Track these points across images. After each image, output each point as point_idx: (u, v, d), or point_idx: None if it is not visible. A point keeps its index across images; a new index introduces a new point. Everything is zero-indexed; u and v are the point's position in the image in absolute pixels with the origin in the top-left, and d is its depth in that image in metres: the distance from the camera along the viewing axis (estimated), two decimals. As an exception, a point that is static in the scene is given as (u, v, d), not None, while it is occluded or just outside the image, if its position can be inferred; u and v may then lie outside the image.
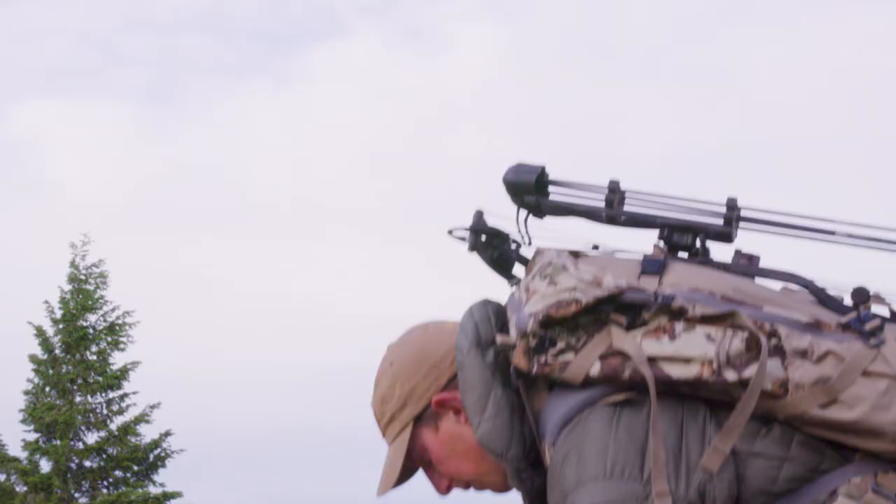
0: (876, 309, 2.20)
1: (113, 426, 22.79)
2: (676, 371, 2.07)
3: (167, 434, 22.97)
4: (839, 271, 2.27)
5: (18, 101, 44.18)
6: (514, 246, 2.38)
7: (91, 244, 23.57)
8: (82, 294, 23.19)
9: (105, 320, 23.19)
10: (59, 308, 23.11)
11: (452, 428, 2.25)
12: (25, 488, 22.32)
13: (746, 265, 2.26)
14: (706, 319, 2.09)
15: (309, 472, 37.61)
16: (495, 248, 2.37)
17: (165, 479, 22.87)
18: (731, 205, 2.29)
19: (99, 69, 42.04)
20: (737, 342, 2.08)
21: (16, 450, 22.60)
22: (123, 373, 22.93)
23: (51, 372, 22.81)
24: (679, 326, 2.09)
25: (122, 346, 23.11)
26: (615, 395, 2.11)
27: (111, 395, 22.89)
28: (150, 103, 41.49)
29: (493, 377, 2.18)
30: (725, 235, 2.28)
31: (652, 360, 2.08)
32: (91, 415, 22.71)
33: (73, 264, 23.40)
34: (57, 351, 22.92)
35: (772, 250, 2.31)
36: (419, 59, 46.38)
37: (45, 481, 22.12)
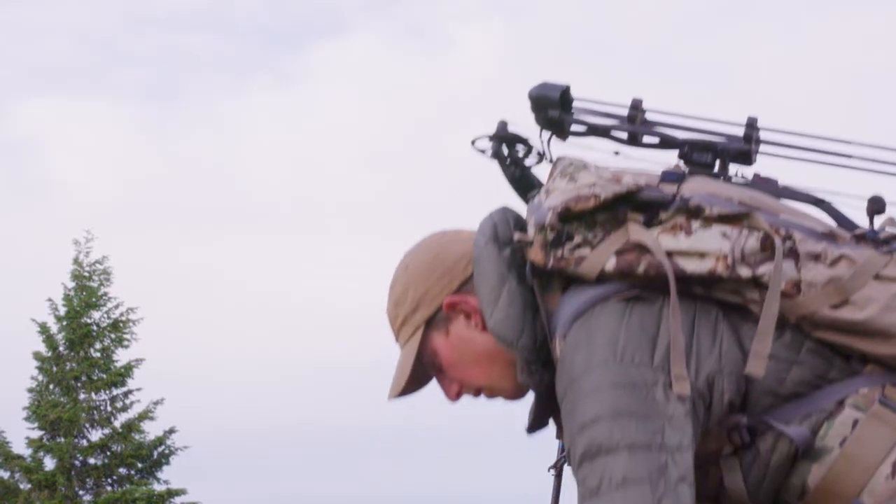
0: (890, 230, 2.22)
1: (117, 423, 22.79)
2: (691, 265, 2.10)
3: (171, 431, 22.96)
4: (857, 194, 2.30)
5: (20, 100, 44.25)
6: (536, 159, 2.40)
7: (94, 241, 23.65)
8: (86, 291, 23.19)
9: (109, 317, 23.20)
10: (63, 305, 23.12)
11: (463, 332, 2.25)
12: (29, 486, 22.28)
13: (764, 185, 2.28)
14: (722, 218, 2.12)
15: (310, 470, 37.62)
16: (517, 166, 2.40)
17: (169, 476, 22.88)
18: (751, 123, 2.32)
19: (100, 68, 42.13)
20: (752, 240, 2.10)
21: (20, 447, 22.62)
22: (127, 370, 22.92)
23: (55, 369, 22.80)
24: (695, 224, 2.12)
25: (125, 342, 23.12)
26: (628, 291, 2.13)
27: (115, 392, 22.88)
28: (152, 101, 41.60)
29: (509, 271, 2.19)
30: (745, 155, 2.31)
31: (668, 255, 2.10)
32: (95, 412, 22.69)
33: (76, 261, 23.43)
34: (61, 348, 22.91)
35: (790, 177, 2.34)
36: (420, 57, 46.46)
37: (50, 479, 22.10)
